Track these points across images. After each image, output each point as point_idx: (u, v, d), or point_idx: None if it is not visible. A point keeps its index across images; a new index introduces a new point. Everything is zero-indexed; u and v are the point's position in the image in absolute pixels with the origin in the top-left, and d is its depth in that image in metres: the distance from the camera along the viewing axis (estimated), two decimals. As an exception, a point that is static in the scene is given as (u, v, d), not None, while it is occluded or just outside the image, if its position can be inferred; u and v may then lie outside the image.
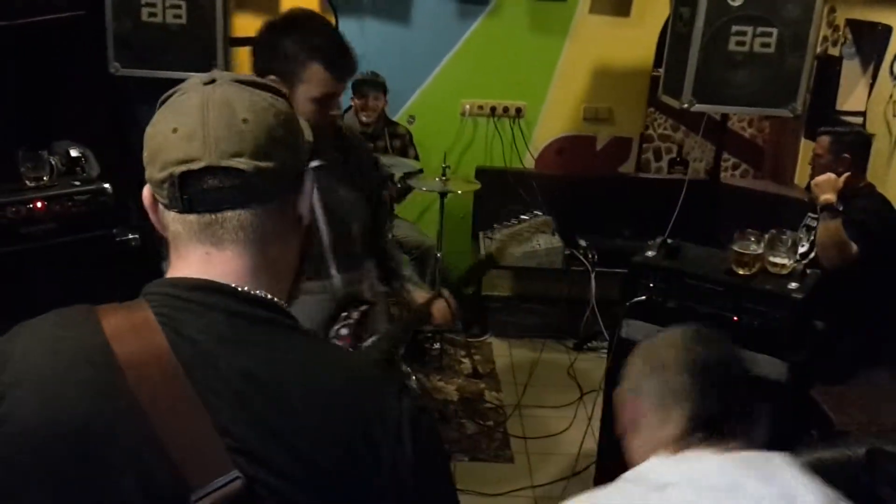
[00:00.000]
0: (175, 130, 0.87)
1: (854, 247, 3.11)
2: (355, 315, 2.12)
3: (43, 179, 3.32)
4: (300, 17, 2.03)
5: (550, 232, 2.47)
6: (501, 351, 4.42)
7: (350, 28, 4.47)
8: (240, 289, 0.88)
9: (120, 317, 0.86)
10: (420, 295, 2.32)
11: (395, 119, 4.57)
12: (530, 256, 4.35)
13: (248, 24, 4.45)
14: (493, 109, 4.70)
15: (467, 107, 4.69)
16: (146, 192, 0.92)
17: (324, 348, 0.94)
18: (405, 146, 4.39)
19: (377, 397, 0.88)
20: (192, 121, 0.87)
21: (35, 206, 3.22)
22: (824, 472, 2.49)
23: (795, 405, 2.86)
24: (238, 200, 0.88)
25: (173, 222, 0.90)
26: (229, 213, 0.88)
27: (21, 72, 3.40)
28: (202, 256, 0.90)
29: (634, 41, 4.59)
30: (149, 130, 0.90)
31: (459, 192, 4.07)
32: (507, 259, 2.43)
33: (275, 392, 0.83)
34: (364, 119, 4.24)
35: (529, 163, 4.80)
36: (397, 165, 3.99)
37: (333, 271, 2.13)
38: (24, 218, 3.20)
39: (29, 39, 3.39)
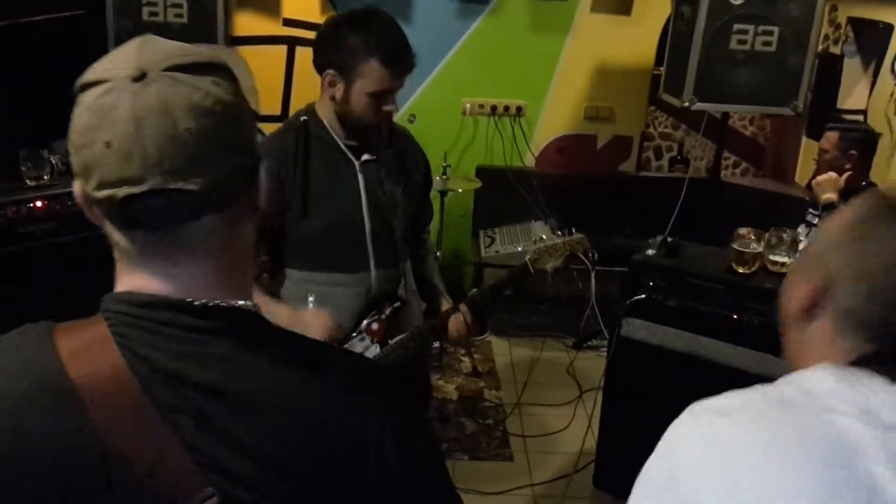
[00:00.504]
0: (108, 145, 0.76)
1: None
2: (387, 311, 2.16)
3: (43, 179, 3.33)
4: (364, 14, 2.05)
5: (583, 251, 2.45)
6: (501, 349, 4.42)
7: (351, 27, 4.49)
8: (196, 302, 0.82)
9: (76, 336, 0.82)
10: (442, 305, 2.33)
11: (395, 118, 4.55)
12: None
13: (249, 23, 4.46)
14: (493, 108, 4.69)
15: (468, 106, 4.69)
16: (78, 189, 0.82)
17: (294, 351, 0.87)
18: None
19: (353, 398, 0.85)
20: (126, 135, 0.76)
21: (35, 205, 3.23)
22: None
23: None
24: (188, 216, 0.80)
25: (115, 232, 0.82)
26: (178, 228, 0.81)
27: (22, 71, 3.40)
28: (153, 272, 0.83)
29: (635, 40, 4.58)
30: (74, 137, 0.79)
31: (460, 190, 4.08)
32: (538, 269, 2.42)
33: (240, 404, 0.80)
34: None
35: (530, 161, 4.79)
36: None
37: (372, 265, 2.14)
38: (25, 217, 3.21)
39: (30, 38, 3.39)
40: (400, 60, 2.00)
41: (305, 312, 2.03)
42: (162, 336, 0.80)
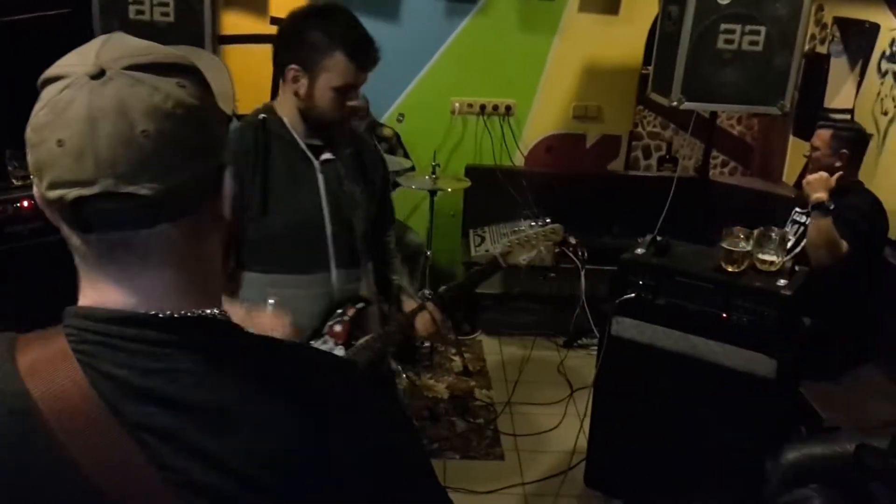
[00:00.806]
0: (61, 143, 0.73)
1: (844, 244, 3.12)
2: (350, 312, 2.11)
3: (30, 178, 3.31)
4: (325, 8, 2.03)
5: (558, 241, 2.36)
6: (492, 349, 4.42)
7: (339, 26, 4.48)
8: (160, 314, 0.79)
9: (36, 350, 0.78)
10: (408, 305, 2.29)
11: (382, 119, 4.55)
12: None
13: (236, 22, 4.44)
14: (482, 107, 4.70)
15: (457, 105, 4.69)
16: (37, 192, 0.79)
17: (267, 359, 0.84)
18: (392, 148, 4.35)
19: (328, 405, 0.83)
20: (80, 134, 0.73)
21: (22, 205, 3.21)
22: (814, 468, 2.53)
23: (784, 402, 2.87)
24: (142, 222, 0.77)
25: (70, 235, 0.79)
26: (133, 235, 0.77)
27: (7, 70, 3.37)
28: (111, 284, 0.79)
29: (623, 39, 4.59)
30: (30, 134, 0.76)
31: (449, 190, 4.07)
32: (510, 264, 2.34)
33: (210, 418, 0.77)
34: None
35: (519, 161, 4.80)
36: (388, 163, 3.96)
37: (333, 266, 2.10)
38: (11, 217, 3.19)
39: (14, 37, 3.37)
40: (365, 53, 2.00)
41: (262, 314, 1.96)
42: (126, 353, 0.77)
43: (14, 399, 0.75)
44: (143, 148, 0.73)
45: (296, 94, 1.99)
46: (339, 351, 2.09)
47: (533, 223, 3.86)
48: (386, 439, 0.85)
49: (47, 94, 0.75)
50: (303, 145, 2.06)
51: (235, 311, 1.93)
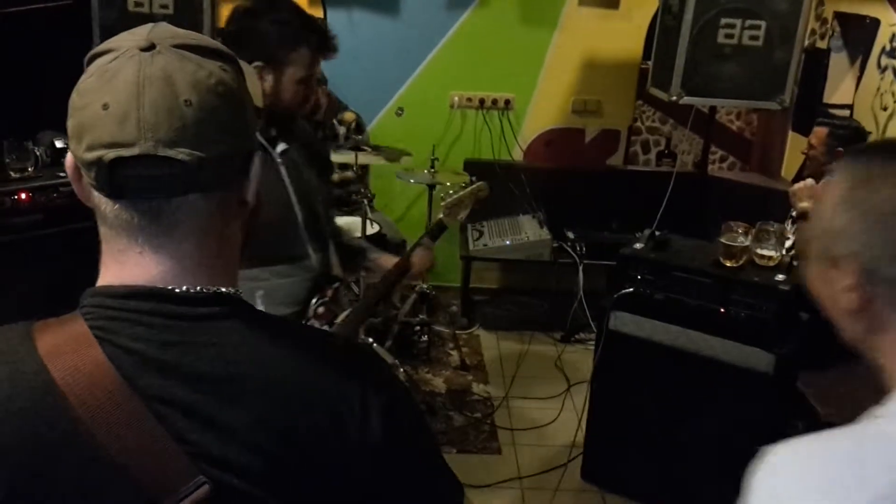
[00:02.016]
0: (106, 107, 0.76)
1: None
2: (329, 293, 2.19)
3: (28, 171, 3.29)
4: (271, 3, 2.04)
5: (485, 196, 2.63)
6: (489, 343, 4.42)
7: (339, 19, 4.46)
8: (178, 290, 0.81)
9: (54, 334, 0.80)
10: (386, 259, 2.37)
11: (383, 110, 4.54)
12: (518, 248, 4.34)
13: (235, 15, 4.42)
14: (481, 101, 4.69)
15: (456, 99, 4.68)
16: (69, 160, 0.82)
17: (280, 334, 0.86)
18: (349, 132, 4.23)
19: (340, 380, 0.84)
20: (126, 98, 0.76)
21: (20, 197, 3.20)
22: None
23: (782, 397, 2.87)
24: (175, 189, 0.79)
25: (101, 202, 0.81)
26: (164, 204, 0.80)
27: (5, 61, 3.36)
28: (136, 256, 0.82)
29: (623, 34, 4.58)
30: (74, 98, 0.79)
31: (448, 184, 4.06)
32: (454, 222, 2.55)
33: (227, 390, 0.79)
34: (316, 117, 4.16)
35: (518, 155, 4.79)
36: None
37: (311, 252, 2.16)
38: (9, 209, 3.18)
39: (13, 29, 3.36)
40: (327, 44, 2.04)
41: None
42: (144, 326, 0.79)
43: (34, 377, 0.77)
44: (184, 116, 0.77)
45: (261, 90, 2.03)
46: (326, 329, 2.17)
47: (531, 217, 3.93)
48: (395, 416, 0.86)
49: (96, 64, 0.79)
50: (262, 139, 2.08)
51: None
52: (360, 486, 0.83)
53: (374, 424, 0.82)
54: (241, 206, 0.87)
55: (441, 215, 2.49)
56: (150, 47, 0.78)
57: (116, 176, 0.77)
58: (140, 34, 0.80)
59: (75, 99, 0.79)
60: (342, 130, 4.23)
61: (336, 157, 3.66)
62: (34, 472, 0.76)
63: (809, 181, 3.19)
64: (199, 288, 0.82)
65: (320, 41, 2.01)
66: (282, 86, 2.01)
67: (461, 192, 2.54)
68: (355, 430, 0.82)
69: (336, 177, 4.01)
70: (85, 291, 0.83)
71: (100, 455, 0.75)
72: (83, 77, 0.79)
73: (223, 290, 0.84)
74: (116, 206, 0.80)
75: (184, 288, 0.81)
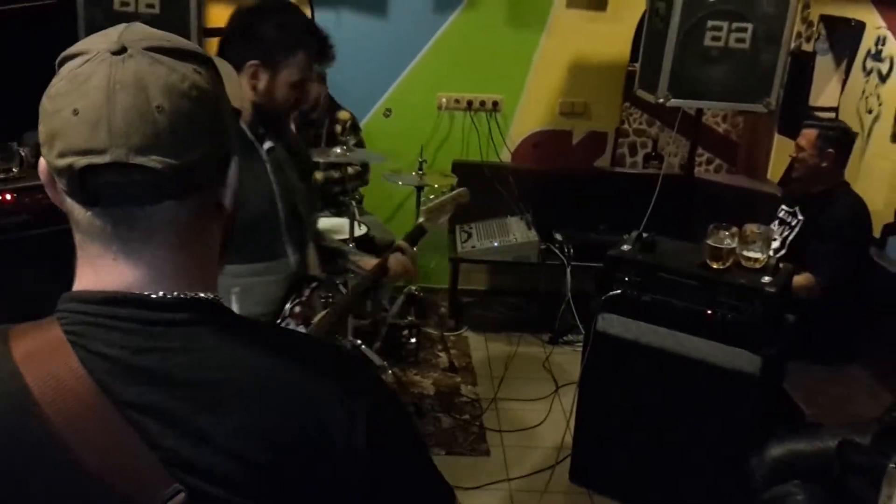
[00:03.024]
0: (76, 113, 0.74)
1: (817, 284, 3.17)
2: (306, 293, 2.18)
3: (12, 171, 3.28)
4: (279, 5, 2.08)
5: (466, 201, 2.66)
6: (477, 345, 4.41)
7: (326, 20, 4.42)
8: (154, 295, 0.80)
9: (30, 339, 0.79)
10: (367, 262, 2.37)
11: (371, 111, 4.53)
12: (506, 250, 4.34)
13: (222, 14, 4.38)
14: (469, 103, 4.68)
15: (444, 100, 4.67)
16: (42, 165, 0.80)
17: (260, 339, 0.84)
18: (345, 132, 4.21)
19: (323, 384, 0.83)
20: (97, 104, 0.74)
21: (4, 198, 3.19)
22: (797, 464, 2.54)
23: (768, 398, 2.89)
24: (148, 197, 0.78)
25: (74, 209, 0.80)
26: (138, 211, 0.78)
27: (-11, 61, 3.34)
28: (110, 263, 0.80)
29: (611, 36, 4.59)
30: (45, 103, 0.77)
31: (436, 185, 4.06)
32: (435, 228, 2.56)
33: (204, 396, 0.77)
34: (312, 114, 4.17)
35: (506, 157, 4.79)
36: (355, 156, 3.90)
37: (289, 251, 2.15)
38: (-8, 210, 3.16)
39: (-2, 28, 3.33)
40: (325, 52, 2.05)
41: None
42: (120, 332, 0.78)
43: (8, 382, 0.76)
44: (157, 122, 0.75)
45: (253, 88, 2.03)
46: (302, 330, 2.16)
47: (519, 219, 3.95)
48: (380, 422, 0.84)
49: (67, 67, 0.78)
50: (251, 135, 2.08)
51: None
52: (345, 493, 0.81)
53: (360, 429, 0.81)
54: (218, 210, 0.86)
55: (421, 219, 2.51)
56: (122, 50, 0.76)
57: (88, 184, 0.76)
58: (111, 36, 0.78)
59: (46, 104, 0.77)
60: (337, 129, 4.23)
61: (320, 157, 3.65)
62: (7, 479, 0.75)
63: (809, 277, 3.18)
64: (175, 294, 0.81)
65: (320, 49, 2.03)
66: (275, 87, 2.03)
67: (442, 198, 2.57)
68: (340, 435, 0.80)
69: (319, 175, 3.99)
70: (61, 296, 0.82)
71: (73, 462, 0.74)
72: (53, 81, 0.78)
73: (201, 295, 0.82)
74: (89, 213, 0.78)
75: (160, 294, 0.80)
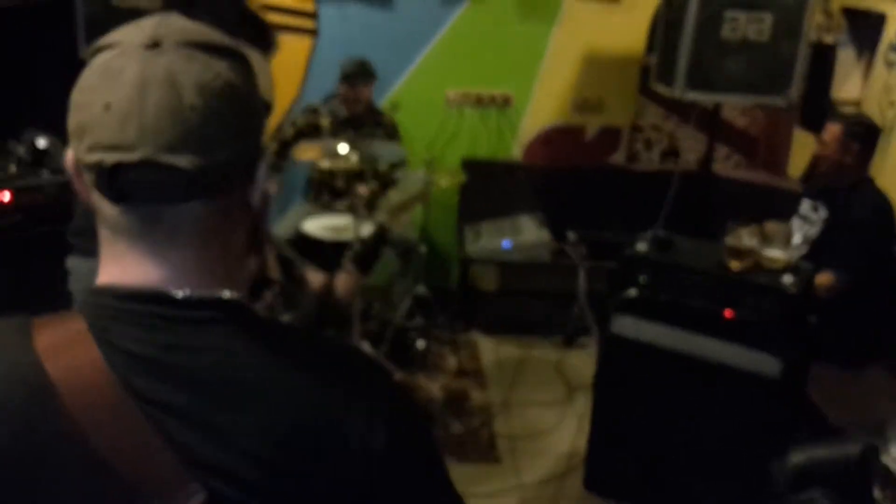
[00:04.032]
0: (107, 107, 0.75)
1: (838, 283, 3.10)
2: (269, 297, 2.19)
3: (10, 170, 3.26)
4: None
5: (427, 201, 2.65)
6: (487, 348, 4.35)
7: (332, 14, 4.42)
8: (179, 293, 0.80)
9: (53, 331, 0.80)
10: (313, 275, 2.31)
11: (380, 107, 4.48)
12: (517, 250, 4.30)
13: (226, 11, 4.35)
14: (479, 98, 4.63)
15: (452, 96, 4.62)
16: (70, 157, 0.81)
17: (281, 340, 0.85)
18: (389, 136, 4.30)
19: (342, 388, 0.83)
20: (128, 100, 0.74)
21: (2, 197, 3.18)
22: (819, 471, 2.47)
23: (789, 402, 2.85)
24: (176, 196, 0.78)
25: (102, 204, 0.81)
26: (165, 209, 0.79)
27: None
28: (136, 259, 0.81)
29: (624, 28, 4.52)
30: (76, 95, 0.78)
31: (444, 184, 4.00)
32: (398, 227, 2.51)
33: (225, 395, 0.78)
34: (354, 108, 4.15)
35: (517, 154, 4.74)
36: (383, 154, 3.88)
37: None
38: (-10, 210, 3.15)
39: (-6, 25, 3.31)
40: (264, 40, 2.05)
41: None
42: (143, 328, 0.78)
43: (28, 371, 0.77)
44: (188, 121, 0.75)
45: None
46: None
47: (530, 218, 3.85)
48: (398, 428, 0.84)
49: (99, 60, 0.78)
50: None
51: None
52: (359, 498, 0.81)
53: (377, 434, 0.81)
54: (246, 211, 0.86)
55: (383, 218, 2.46)
56: (155, 45, 0.76)
57: (117, 180, 0.76)
58: (146, 29, 0.78)
59: (76, 96, 0.78)
60: (380, 133, 4.22)
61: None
62: (24, 468, 0.75)
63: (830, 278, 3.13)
64: (199, 292, 0.82)
65: (255, 36, 1.98)
66: None
67: (404, 197, 2.54)
68: (358, 440, 0.80)
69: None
70: (87, 289, 0.84)
71: (91, 456, 0.74)
72: (85, 72, 0.78)
73: (225, 295, 0.83)
74: (117, 209, 0.79)
75: (185, 291, 0.81)
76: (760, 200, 4.35)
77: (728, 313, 2.74)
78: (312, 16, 4.44)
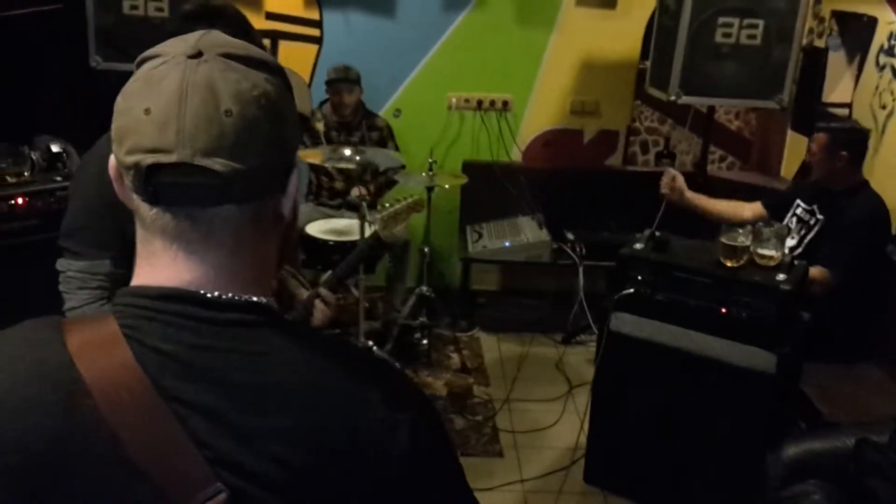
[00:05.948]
0: (148, 112, 0.77)
1: (831, 279, 3.12)
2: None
3: (24, 175, 3.28)
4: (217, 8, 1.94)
5: (422, 210, 2.69)
6: (490, 345, 4.40)
7: (335, 21, 4.46)
8: (209, 295, 0.81)
9: (86, 332, 0.80)
10: (301, 292, 2.27)
11: (380, 112, 4.54)
12: (517, 250, 4.33)
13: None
14: (479, 103, 4.67)
15: (453, 100, 4.66)
16: (112, 161, 0.83)
17: (310, 345, 0.85)
18: (383, 139, 4.34)
19: (369, 393, 0.83)
20: (168, 105, 0.77)
21: (16, 202, 3.20)
22: (814, 463, 2.52)
23: (784, 397, 2.87)
24: (210, 200, 0.80)
25: (140, 205, 0.82)
26: (199, 212, 0.80)
27: (0, 66, 3.35)
28: (169, 260, 0.82)
29: (621, 34, 4.57)
30: (119, 101, 0.81)
31: (446, 186, 4.06)
32: (392, 237, 2.55)
33: (253, 397, 0.78)
34: (342, 113, 4.21)
35: (516, 156, 4.77)
36: (381, 158, 3.94)
37: None
38: (5, 214, 3.18)
39: (8, 33, 3.35)
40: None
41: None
42: (174, 328, 0.79)
43: (59, 371, 0.77)
44: (223, 126, 0.77)
45: None
46: None
47: (530, 218, 3.92)
48: (426, 431, 0.85)
49: (143, 69, 0.81)
50: None
51: None
52: (382, 502, 0.81)
53: (402, 439, 0.81)
54: (277, 220, 0.87)
55: (377, 227, 2.50)
56: (198, 55, 0.79)
57: (152, 181, 0.78)
58: (189, 41, 0.81)
59: (120, 102, 0.80)
60: (375, 136, 4.29)
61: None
62: (54, 467, 0.75)
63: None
64: (230, 295, 0.82)
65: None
66: None
67: (397, 206, 2.56)
68: (383, 443, 0.80)
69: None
70: (118, 290, 0.84)
71: (120, 454, 0.75)
72: (130, 80, 0.81)
73: (254, 298, 0.84)
74: (154, 210, 0.81)
75: (215, 294, 0.82)
76: (754, 201, 4.40)
77: (723, 310, 2.75)
78: (317, 24, 4.50)
